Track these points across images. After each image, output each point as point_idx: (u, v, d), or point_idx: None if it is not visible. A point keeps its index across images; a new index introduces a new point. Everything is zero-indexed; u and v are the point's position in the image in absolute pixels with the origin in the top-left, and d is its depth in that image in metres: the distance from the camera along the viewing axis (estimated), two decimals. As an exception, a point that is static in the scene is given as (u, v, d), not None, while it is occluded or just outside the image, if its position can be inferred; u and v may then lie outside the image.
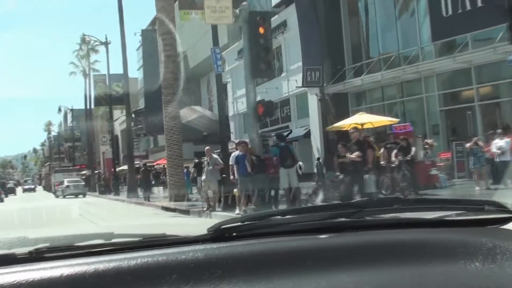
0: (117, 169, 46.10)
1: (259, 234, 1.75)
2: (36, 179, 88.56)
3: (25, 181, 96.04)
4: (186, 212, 18.40)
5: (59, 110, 67.47)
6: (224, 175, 16.81)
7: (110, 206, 28.27)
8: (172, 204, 21.36)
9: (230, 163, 16.07)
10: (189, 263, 1.54)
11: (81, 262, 1.56)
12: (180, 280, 1.48)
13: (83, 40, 46.05)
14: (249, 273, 1.49)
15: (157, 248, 1.68)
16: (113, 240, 1.84)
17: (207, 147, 18.71)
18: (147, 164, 34.76)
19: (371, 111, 25.22)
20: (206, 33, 52.36)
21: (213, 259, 1.54)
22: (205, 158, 18.09)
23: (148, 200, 27.33)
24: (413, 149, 17.31)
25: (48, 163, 79.55)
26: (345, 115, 26.30)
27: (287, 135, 33.26)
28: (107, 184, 46.47)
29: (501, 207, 1.81)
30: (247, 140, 17.17)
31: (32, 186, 79.95)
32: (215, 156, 18.06)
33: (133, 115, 50.83)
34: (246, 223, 1.81)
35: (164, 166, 36.38)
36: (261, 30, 17.10)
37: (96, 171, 53.12)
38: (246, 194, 15.48)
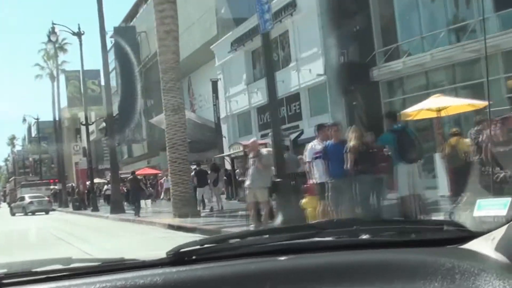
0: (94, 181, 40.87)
1: (218, 257, 1.76)
2: (0, 195, 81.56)
3: None
4: (208, 232, 14.10)
5: (24, 120, 60.64)
6: (279, 179, 12.54)
7: (98, 226, 23.70)
8: (179, 221, 17.98)
9: (307, 159, 11.42)
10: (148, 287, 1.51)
11: None
12: None
13: (52, 32, 38.38)
14: None
15: (115, 272, 1.68)
16: (72, 265, 1.82)
17: (252, 139, 15.20)
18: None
19: (409, 102, 21.04)
20: (189, 26, 44.81)
21: (172, 283, 1.56)
22: (249, 156, 13.60)
23: (139, 216, 23.86)
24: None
25: (13, 178, 71.67)
26: (376, 108, 23.67)
27: (298, 136, 30.36)
28: (82, 199, 41.79)
29: (460, 227, 1.82)
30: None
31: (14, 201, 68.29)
32: (265, 151, 13.88)
33: (103, 124, 47.78)
34: (205, 246, 1.82)
35: (144, 177, 29.91)
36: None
37: (68, 185, 45.60)
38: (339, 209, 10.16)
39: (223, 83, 36.99)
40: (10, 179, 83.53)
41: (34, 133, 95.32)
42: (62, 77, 55.66)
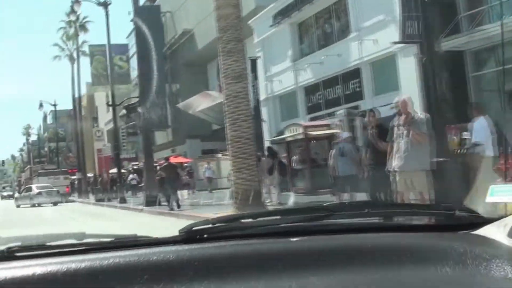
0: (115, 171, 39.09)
1: (230, 236, 1.82)
2: (15, 185, 79.01)
3: (4, 188, 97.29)
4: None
5: (40, 105, 56.29)
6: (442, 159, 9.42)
7: (139, 222, 19.17)
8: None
9: (477, 139, 10.01)
10: (160, 264, 1.59)
11: (53, 261, 1.62)
12: (151, 280, 1.53)
13: (75, 1, 33.91)
14: (219, 275, 1.56)
15: (128, 249, 1.74)
16: (85, 240, 1.89)
17: (404, 96, 11.01)
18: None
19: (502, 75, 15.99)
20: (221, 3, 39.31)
21: (184, 260, 1.60)
22: (395, 119, 10.02)
23: (178, 209, 21.03)
24: None
25: (28, 166, 67.77)
26: (461, 83, 20.00)
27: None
28: (105, 189, 38.03)
29: (472, 213, 1.87)
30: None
31: (11, 193, 74.03)
32: (421, 115, 9.90)
33: (124, 111, 43.13)
34: (217, 225, 1.87)
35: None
36: None
37: (89, 174, 41.75)
38: None
39: (263, 61, 32.82)
40: (25, 168, 79.56)
41: (50, 122, 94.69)
42: (82, 59, 50.76)
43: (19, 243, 1.77)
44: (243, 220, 1.90)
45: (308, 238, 1.75)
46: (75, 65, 50.39)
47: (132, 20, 44.72)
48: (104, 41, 39.33)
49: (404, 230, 1.81)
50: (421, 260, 1.56)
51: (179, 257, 1.58)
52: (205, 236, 1.80)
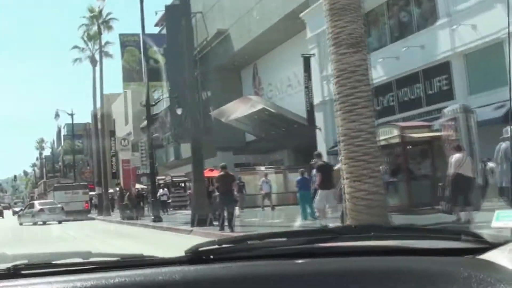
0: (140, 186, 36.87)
1: (236, 257, 1.83)
2: (27, 201, 74.14)
3: (15, 204, 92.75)
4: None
5: (56, 115, 51.91)
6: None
7: None
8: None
9: None
10: (165, 284, 1.60)
11: (59, 280, 1.63)
12: None
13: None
14: None
15: (134, 268, 1.75)
16: (91, 259, 1.90)
17: None
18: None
19: None
20: (256, 3, 38.42)
21: (190, 281, 1.61)
22: None
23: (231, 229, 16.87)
24: None
25: (42, 181, 62.94)
26: None
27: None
28: (133, 205, 31.88)
29: (477, 237, 1.90)
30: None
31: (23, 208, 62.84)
32: None
33: (145, 123, 37.61)
34: (223, 246, 1.88)
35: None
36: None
37: (110, 190, 37.30)
38: None
39: (318, 59, 27.71)
40: (39, 183, 74.65)
41: (64, 134, 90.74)
42: (105, 61, 45.91)
43: (25, 261, 1.82)
44: (249, 242, 1.94)
45: (313, 260, 1.78)
46: (96, 67, 45.72)
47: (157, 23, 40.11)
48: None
49: (410, 254, 1.86)
50: (427, 284, 1.61)
51: (185, 277, 1.62)
52: (211, 257, 1.83)
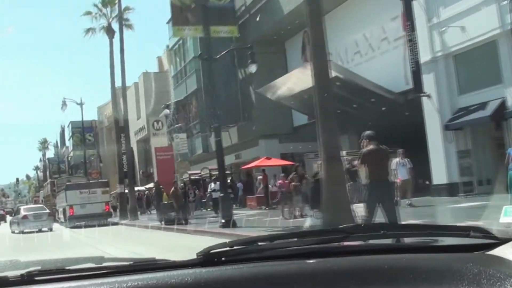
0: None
1: (247, 259, 1.86)
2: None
3: None
4: None
5: (63, 105, 43.96)
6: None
7: None
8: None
9: None
10: (178, 287, 1.64)
11: (72, 285, 1.67)
12: None
13: None
14: None
15: (147, 272, 1.78)
16: (104, 264, 1.96)
17: None
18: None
19: None
20: None
21: (202, 283, 1.65)
22: None
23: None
24: None
25: (49, 180, 54.50)
26: None
27: (498, 109, 18.68)
28: (179, 205, 24.17)
29: (486, 233, 1.89)
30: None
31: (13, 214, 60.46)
32: None
33: (166, 111, 37.21)
34: (234, 248, 1.92)
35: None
36: None
37: (142, 187, 30.10)
38: None
39: (425, 1, 19.68)
40: (45, 183, 65.40)
41: (68, 136, 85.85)
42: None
43: (38, 267, 1.84)
44: (260, 243, 1.96)
45: (324, 260, 1.80)
46: (114, 39, 36.92)
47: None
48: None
49: (420, 252, 1.86)
50: (437, 281, 1.62)
51: (197, 280, 1.64)
52: (223, 259, 1.86)
